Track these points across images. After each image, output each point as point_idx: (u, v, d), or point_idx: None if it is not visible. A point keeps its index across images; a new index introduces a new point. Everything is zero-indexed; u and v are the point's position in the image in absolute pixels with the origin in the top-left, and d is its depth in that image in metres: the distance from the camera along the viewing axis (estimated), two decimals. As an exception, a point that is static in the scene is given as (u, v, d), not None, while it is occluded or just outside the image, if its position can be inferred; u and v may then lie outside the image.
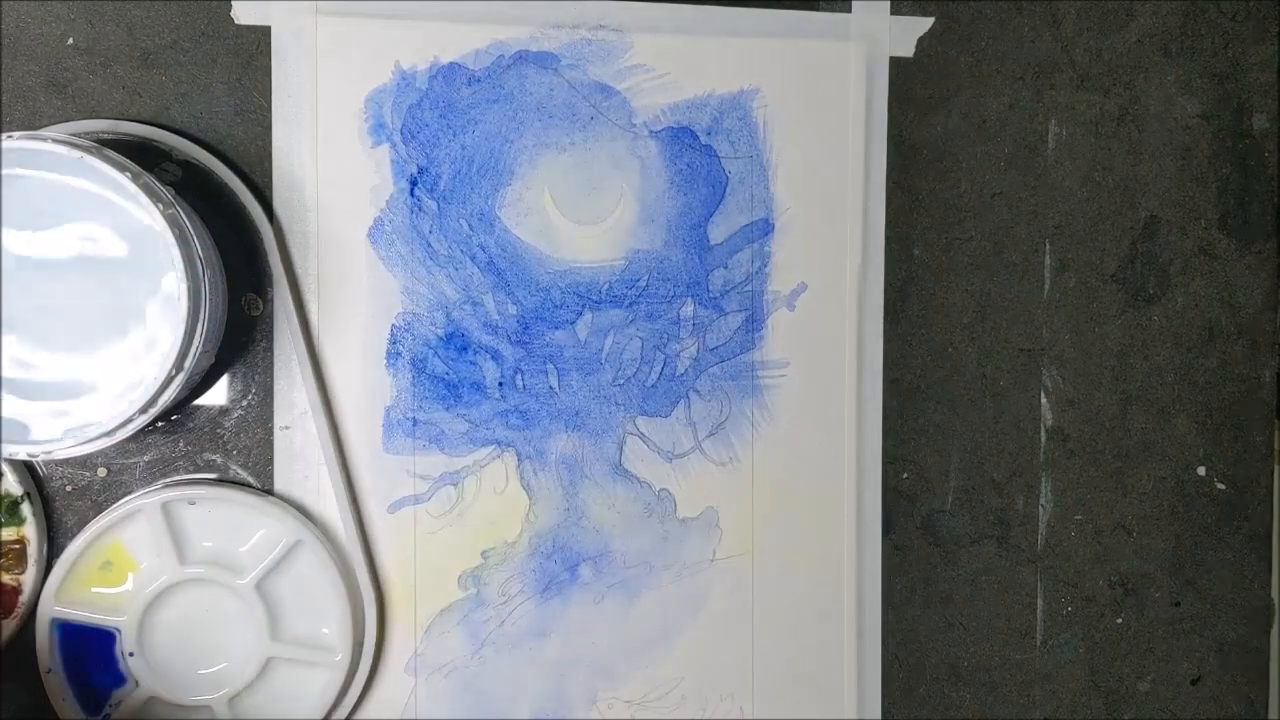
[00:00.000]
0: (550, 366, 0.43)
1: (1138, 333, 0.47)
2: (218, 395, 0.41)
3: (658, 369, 0.43)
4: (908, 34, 0.44)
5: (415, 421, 0.42)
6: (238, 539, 0.40)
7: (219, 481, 0.41)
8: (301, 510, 0.41)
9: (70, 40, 0.40)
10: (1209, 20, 0.47)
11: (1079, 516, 0.46)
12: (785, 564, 0.44)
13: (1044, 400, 0.46)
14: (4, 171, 0.34)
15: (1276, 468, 0.48)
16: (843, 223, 0.44)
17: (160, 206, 0.34)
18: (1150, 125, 0.47)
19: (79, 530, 0.39)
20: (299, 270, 0.41)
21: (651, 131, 0.43)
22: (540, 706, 0.43)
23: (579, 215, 0.42)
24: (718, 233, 0.43)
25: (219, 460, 0.41)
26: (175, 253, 0.34)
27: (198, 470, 0.41)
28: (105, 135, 0.39)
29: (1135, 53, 0.46)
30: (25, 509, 0.39)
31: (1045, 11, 0.45)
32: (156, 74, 0.40)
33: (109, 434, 0.34)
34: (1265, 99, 0.47)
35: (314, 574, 0.40)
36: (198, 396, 0.41)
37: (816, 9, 0.43)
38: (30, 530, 0.39)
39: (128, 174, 0.34)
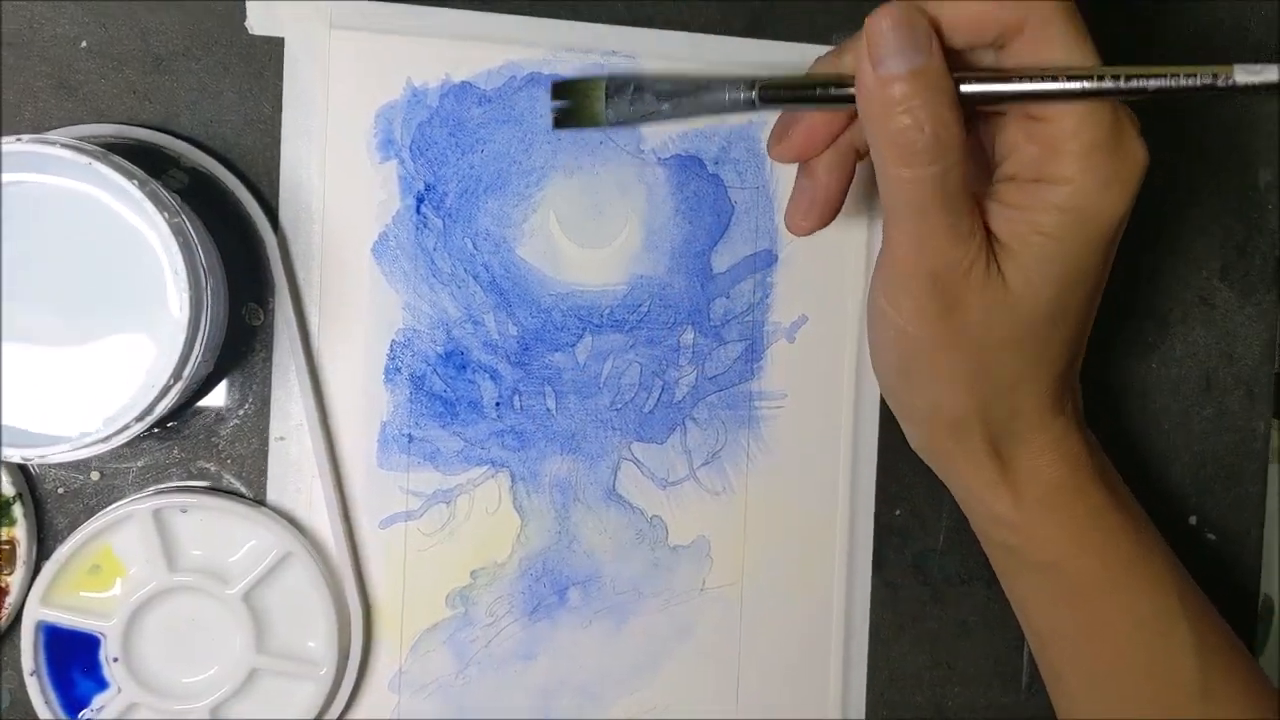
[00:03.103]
0: (548, 388, 0.43)
1: (1135, 379, 0.47)
2: (214, 404, 0.41)
3: (655, 395, 0.43)
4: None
5: (411, 438, 0.42)
6: (228, 549, 0.40)
7: (211, 490, 0.41)
8: (293, 522, 0.40)
9: (83, 43, 0.40)
10: (1219, 72, 0.47)
11: (1069, 560, 0.46)
12: (774, 596, 0.44)
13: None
14: (12, 175, 0.34)
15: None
16: (845, 256, 0.44)
17: (166, 215, 0.34)
18: (1155, 173, 0.47)
19: (69, 533, 0.39)
20: (301, 282, 0.41)
21: (659, 159, 0.43)
22: (523, 728, 0.43)
23: (584, 239, 0.42)
24: (721, 262, 0.44)
25: (212, 469, 0.41)
26: (179, 261, 0.34)
27: (191, 478, 0.41)
28: (113, 139, 0.39)
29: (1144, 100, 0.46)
30: (16, 510, 0.39)
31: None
32: (168, 80, 0.40)
33: (105, 440, 0.34)
34: (1270, 152, 0.47)
35: (302, 587, 0.40)
36: (194, 403, 0.41)
37: (830, 43, 0.44)
38: (20, 531, 0.39)
39: (135, 181, 0.34)
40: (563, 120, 0.37)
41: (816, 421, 0.44)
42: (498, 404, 0.42)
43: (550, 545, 0.43)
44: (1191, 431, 0.47)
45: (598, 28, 0.42)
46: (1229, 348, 0.47)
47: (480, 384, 0.42)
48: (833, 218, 0.37)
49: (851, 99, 0.33)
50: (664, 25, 0.43)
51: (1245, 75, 0.31)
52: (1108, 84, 0.31)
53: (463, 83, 0.41)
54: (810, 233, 0.37)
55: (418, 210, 0.41)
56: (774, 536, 0.44)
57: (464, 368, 0.42)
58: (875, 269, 0.35)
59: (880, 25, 0.31)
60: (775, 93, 0.35)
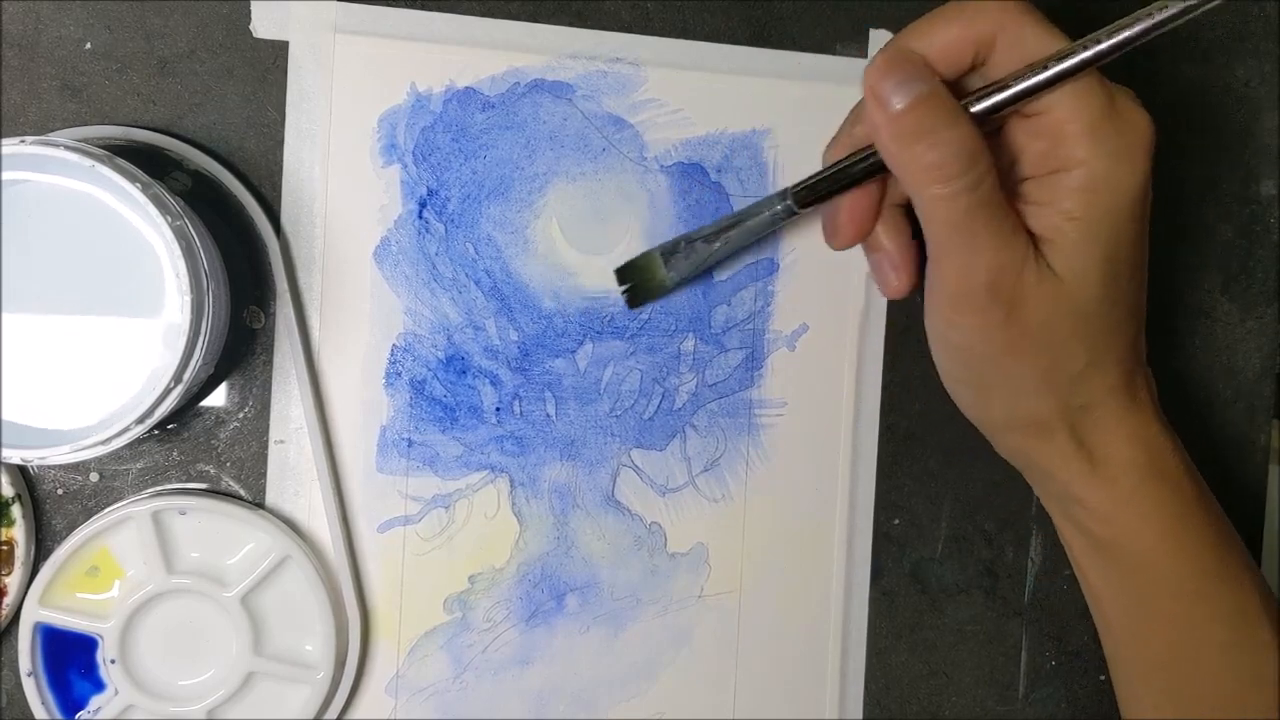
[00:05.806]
0: (548, 394, 0.43)
1: (1135, 391, 0.47)
2: (214, 406, 0.41)
3: (655, 402, 0.43)
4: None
5: (410, 442, 0.42)
6: (226, 551, 0.40)
7: (210, 492, 0.41)
8: (292, 526, 0.41)
9: (88, 45, 0.40)
10: (1222, 84, 0.47)
11: (1067, 571, 0.46)
12: (772, 604, 0.44)
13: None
14: (15, 175, 0.34)
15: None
16: (847, 265, 0.44)
17: (169, 219, 0.34)
18: (1159, 185, 0.47)
19: (68, 534, 0.39)
20: (303, 286, 0.41)
21: (662, 166, 0.43)
22: (519, 734, 0.43)
23: (586, 245, 0.42)
24: (722, 269, 0.44)
25: (212, 471, 0.41)
26: (180, 264, 0.34)
27: (190, 480, 0.41)
28: (117, 141, 0.39)
29: (1148, 112, 0.46)
30: (15, 511, 0.39)
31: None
32: (172, 82, 0.40)
33: (105, 442, 0.34)
34: (1272, 165, 0.47)
35: (300, 590, 0.40)
36: (194, 406, 0.41)
37: (834, 53, 0.44)
38: (19, 532, 0.39)
39: (138, 185, 0.34)
40: (635, 300, 0.41)
41: (816, 430, 0.44)
42: (498, 409, 0.42)
43: (549, 551, 0.43)
44: (1191, 445, 0.47)
45: (601, 34, 0.42)
46: (1229, 361, 0.47)
47: (480, 389, 0.42)
48: (916, 268, 0.38)
49: (876, 163, 0.35)
50: (667, 33, 0.43)
51: None
52: (1095, 50, 0.32)
53: (466, 88, 0.42)
54: (912, 289, 0.38)
55: (420, 215, 0.41)
56: (772, 544, 0.44)
57: (464, 373, 0.42)
58: (928, 300, 0.36)
59: (877, 70, 0.33)
60: (808, 192, 0.37)
